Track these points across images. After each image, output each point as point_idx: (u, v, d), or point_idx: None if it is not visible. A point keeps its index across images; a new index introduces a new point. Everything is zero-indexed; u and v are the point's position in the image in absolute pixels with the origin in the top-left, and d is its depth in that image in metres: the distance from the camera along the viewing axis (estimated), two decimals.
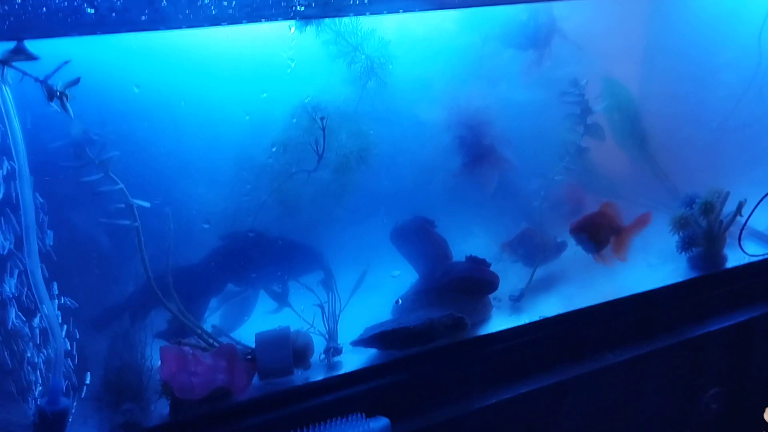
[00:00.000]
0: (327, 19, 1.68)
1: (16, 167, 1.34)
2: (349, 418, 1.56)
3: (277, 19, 1.60)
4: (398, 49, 1.87)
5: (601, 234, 1.96)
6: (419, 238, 1.92)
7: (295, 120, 1.69)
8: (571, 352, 1.90)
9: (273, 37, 1.71)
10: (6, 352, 1.45)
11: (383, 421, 1.58)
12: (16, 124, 1.33)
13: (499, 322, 1.88)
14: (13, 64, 1.27)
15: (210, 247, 1.79)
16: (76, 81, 1.31)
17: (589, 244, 1.97)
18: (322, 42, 1.76)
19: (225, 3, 1.32)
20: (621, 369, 1.91)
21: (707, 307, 2.08)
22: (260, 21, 1.55)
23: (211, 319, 1.82)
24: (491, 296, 1.95)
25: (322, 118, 1.69)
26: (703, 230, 2.12)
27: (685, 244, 2.13)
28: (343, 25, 1.76)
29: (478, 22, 2.03)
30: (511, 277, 2.02)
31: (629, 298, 1.99)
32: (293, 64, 1.68)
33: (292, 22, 1.67)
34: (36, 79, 1.28)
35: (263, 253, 1.81)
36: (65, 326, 1.49)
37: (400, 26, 1.91)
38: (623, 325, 1.97)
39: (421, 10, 1.84)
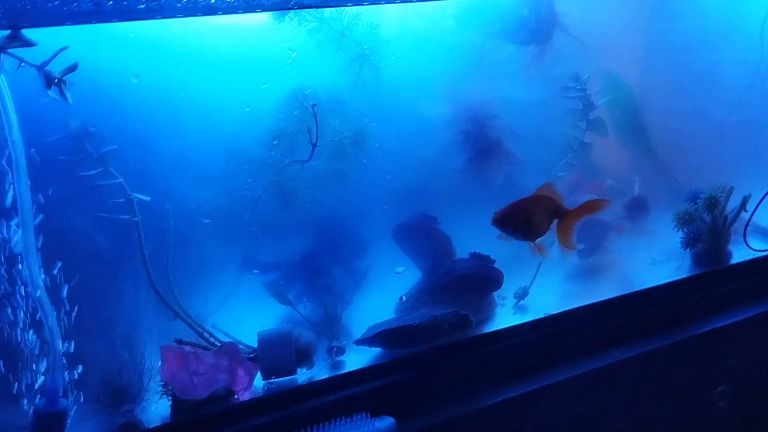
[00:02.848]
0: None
1: (13, 159, 1.30)
2: (354, 417, 1.53)
3: (272, 9, 1.59)
4: (399, 45, 1.86)
5: (532, 223, 1.68)
6: (422, 235, 1.89)
7: (296, 112, 1.67)
8: (577, 350, 1.88)
9: (255, 30, 1.69)
10: (2, 353, 1.42)
11: (388, 421, 1.55)
12: (12, 114, 1.30)
13: (503, 319, 1.86)
14: (10, 51, 1.24)
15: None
16: (74, 67, 1.27)
17: (515, 236, 1.70)
18: (307, 31, 1.74)
19: None
20: (628, 366, 1.88)
21: (713, 303, 2.06)
22: (256, 10, 1.54)
23: None
24: (495, 294, 1.92)
25: (313, 106, 1.67)
26: (708, 226, 2.09)
27: (690, 240, 2.10)
28: (327, 12, 1.73)
29: (478, 17, 2.02)
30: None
31: (634, 294, 1.97)
32: (294, 54, 1.66)
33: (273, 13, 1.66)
34: (33, 66, 1.25)
35: None
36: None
37: (400, 23, 1.90)
38: (629, 323, 1.95)
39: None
